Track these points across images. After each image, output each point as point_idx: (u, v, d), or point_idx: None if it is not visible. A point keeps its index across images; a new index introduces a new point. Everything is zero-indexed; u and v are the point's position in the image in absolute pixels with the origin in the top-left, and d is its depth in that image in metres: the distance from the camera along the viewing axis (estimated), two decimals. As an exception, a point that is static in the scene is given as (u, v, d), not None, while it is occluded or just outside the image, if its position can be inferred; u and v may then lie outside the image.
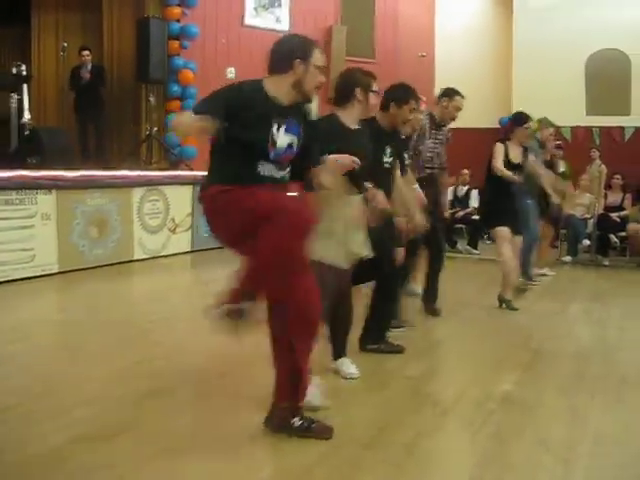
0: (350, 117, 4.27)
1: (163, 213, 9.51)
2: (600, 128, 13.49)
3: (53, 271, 7.79)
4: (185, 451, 3.32)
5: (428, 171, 6.12)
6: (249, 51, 11.82)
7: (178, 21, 11.05)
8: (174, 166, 10.61)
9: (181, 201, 9.72)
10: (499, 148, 6.62)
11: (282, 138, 3.35)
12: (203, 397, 4.11)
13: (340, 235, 4.06)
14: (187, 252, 9.86)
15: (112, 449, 3.33)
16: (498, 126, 13.70)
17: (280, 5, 12.30)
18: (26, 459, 3.20)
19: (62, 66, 10.91)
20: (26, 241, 7.57)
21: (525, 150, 6.81)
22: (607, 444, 3.57)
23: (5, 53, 12.48)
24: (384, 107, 4.91)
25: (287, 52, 3.39)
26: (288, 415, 3.47)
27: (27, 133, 9.18)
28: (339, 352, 4.50)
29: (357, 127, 4.31)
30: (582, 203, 10.85)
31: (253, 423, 3.63)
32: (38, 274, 7.58)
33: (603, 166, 11.55)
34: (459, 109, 6.21)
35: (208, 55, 11.41)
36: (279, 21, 12.22)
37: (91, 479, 3.02)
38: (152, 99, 10.72)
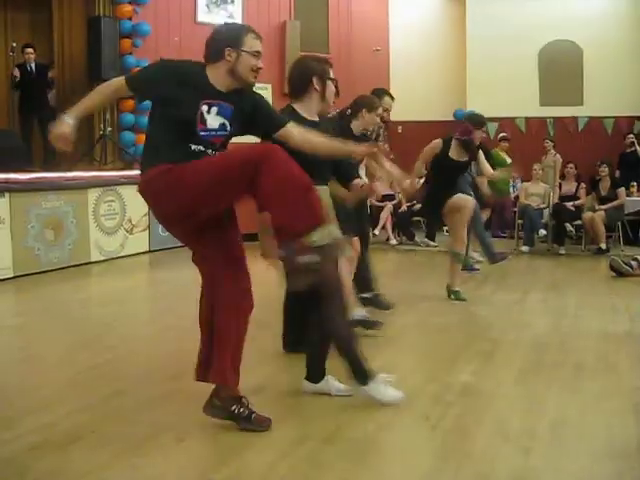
0: (308, 109, 4.09)
1: (119, 214, 9.42)
2: (554, 119, 13.66)
3: (8, 276, 7.67)
4: (142, 454, 3.29)
5: None
6: (202, 48, 11.68)
7: (130, 19, 10.90)
8: (129, 166, 10.49)
9: (137, 201, 9.42)
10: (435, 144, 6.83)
11: (213, 118, 3.42)
12: (160, 399, 4.07)
13: None
14: (145, 252, 9.78)
15: (68, 456, 3.28)
16: (452, 119, 13.79)
17: (232, 1, 12.22)
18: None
19: (12, 66, 10.70)
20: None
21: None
22: (565, 431, 3.62)
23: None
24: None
25: (218, 41, 3.50)
26: (230, 403, 3.52)
27: (-24, 136, 9.02)
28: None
29: (316, 119, 4.12)
30: (537, 193, 10.97)
31: (212, 422, 3.61)
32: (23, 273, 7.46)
33: (558, 156, 11.71)
34: (387, 109, 6.26)
35: (161, 53, 11.23)
36: (232, 17, 12.11)
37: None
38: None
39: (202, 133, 3.39)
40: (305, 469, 3.15)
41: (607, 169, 10.66)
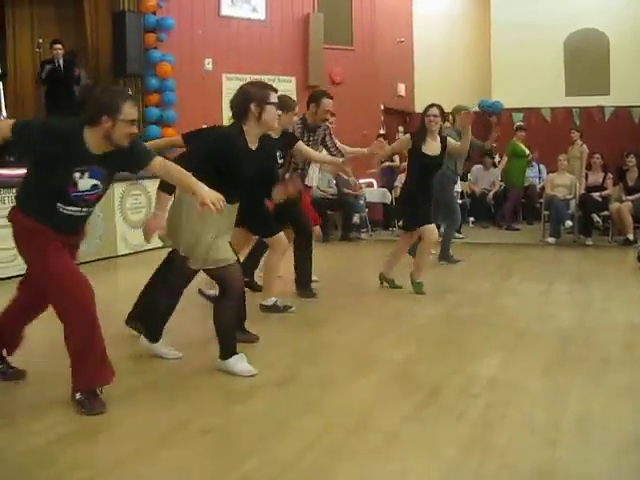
0: (250, 133, 4.35)
1: (145, 207, 9.47)
2: (580, 108, 13.54)
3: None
4: (168, 446, 3.33)
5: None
6: (226, 41, 11.76)
7: (154, 14, 10.97)
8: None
9: (163, 194, 9.65)
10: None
11: (85, 182, 3.67)
12: (185, 392, 4.10)
13: (208, 241, 4.24)
14: (171, 245, 9.80)
15: (94, 447, 3.34)
16: (477, 109, 13.72)
17: (256, -6, 12.23)
18: (10, 460, 3.20)
19: (38, 62, 10.80)
20: (7, 240, 7.46)
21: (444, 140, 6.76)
22: (590, 424, 3.60)
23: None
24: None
25: (96, 107, 3.62)
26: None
27: (4, 131, 9.10)
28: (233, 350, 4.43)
29: (252, 148, 4.40)
30: (563, 184, 10.89)
31: (237, 415, 3.64)
32: (20, 273, 7.48)
33: (585, 146, 11.59)
34: (328, 111, 6.42)
35: (185, 47, 11.34)
36: (255, 10, 12.14)
37: (75, 478, 3.01)
38: (130, 93, 10.63)
39: (74, 194, 3.67)
40: (328, 461, 3.17)
41: (634, 159, 10.54)
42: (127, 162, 3.81)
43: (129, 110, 3.63)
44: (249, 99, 4.29)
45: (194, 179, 3.74)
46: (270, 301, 5.93)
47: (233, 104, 4.39)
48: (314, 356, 4.80)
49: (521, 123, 12.31)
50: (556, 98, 13.39)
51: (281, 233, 5.85)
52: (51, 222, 3.69)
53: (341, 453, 3.23)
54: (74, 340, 3.70)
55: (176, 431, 3.50)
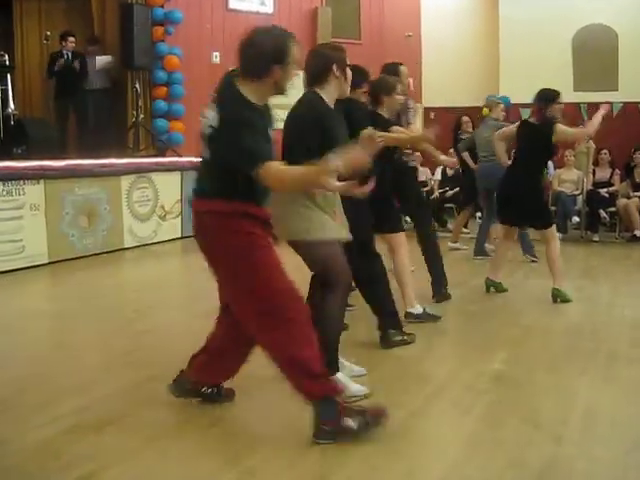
0: (328, 95, 3.97)
1: (152, 200, 9.48)
2: (588, 104, 13.47)
3: (43, 262, 7.76)
4: (175, 438, 3.34)
5: None
6: (234, 35, 11.70)
7: (162, 6, 10.96)
8: (162, 153, 10.56)
9: (170, 188, 9.69)
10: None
11: None
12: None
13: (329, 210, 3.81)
14: (177, 238, 9.83)
15: (102, 440, 3.34)
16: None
17: (264, -12, 12.22)
18: (20, 452, 3.21)
19: (46, 55, 10.79)
20: (15, 232, 7.55)
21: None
22: (597, 420, 3.60)
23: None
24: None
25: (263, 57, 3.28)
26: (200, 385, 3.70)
27: (12, 124, 9.13)
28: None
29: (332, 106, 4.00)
30: (570, 179, 10.85)
31: (244, 409, 3.65)
32: (28, 265, 7.56)
33: (591, 142, 11.53)
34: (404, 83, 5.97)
35: (193, 40, 11.33)
36: (264, 4, 12.13)
37: (84, 470, 3.02)
38: (138, 86, 10.66)
39: None
40: (336, 456, 3.16)
41: (642, 155, 10.52)
42: None
43: (296, 50, 3.33)
44: (331, 61, 3.94)
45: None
46: (417, 309, 5.45)
47: (311, 67, 4.00)
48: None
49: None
50: (564, 93, 13.31)
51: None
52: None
53: (347, 448, 3.22)
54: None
55: (183, 424, 3.51)
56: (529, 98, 6.67)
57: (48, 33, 10.52)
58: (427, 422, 3.59)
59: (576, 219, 10.52)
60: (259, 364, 3.50)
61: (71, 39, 10.33)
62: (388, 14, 13.78)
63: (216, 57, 11.57)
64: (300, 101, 3.97)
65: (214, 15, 11.67)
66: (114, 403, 3.77)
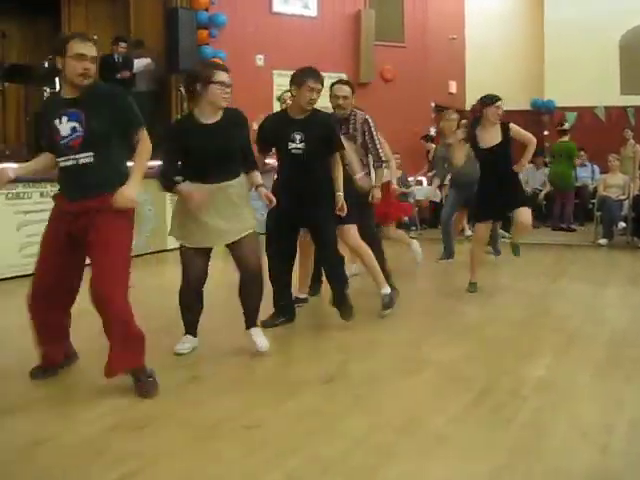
0: (202, 112, 4.46)
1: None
2: (635, 107, 13.28)
3: (87, 262, 7.82)
4: (215, 438, 3.36)
5: None
6: (277, 38, 11.80)
7: (206, 10, 11.08)
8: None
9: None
10: None
11: (65, 126, 3.84)
12: (234, 385, 4.14)
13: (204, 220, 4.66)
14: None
15: (144, 438, 3.37)
16: (529, 108, 13.55)
17: (308, -9, 12.26)
18: (61, 450, 3.26)
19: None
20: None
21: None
22: (644, 429, 3.53)
23: (36, 47, 12.56)
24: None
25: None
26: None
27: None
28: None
29: (213, 122, 4.47)
30: (616, 184, 10.69)
31: (284, 409, 3.65)
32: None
33: (638, 146, 11.38)
34: (336, 96, 5.73)
35: (237, 43, 11.42)
36: (307, 7, 12.17)
37: (127, 468, 3.05)
38: (182, 89, 10.74)
39: (61, 142, 3.85)
40: (376, 460, 3.15)
41: (690, 160, 10.33)
42: (117, 116, 3.92)
43: (76, 45, 3.95)
44: (195, 79, 4.43)
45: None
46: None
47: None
48: (362, 353, 4.79)
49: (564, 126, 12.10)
50: (611, 97, 13.15)
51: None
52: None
53: (387, 453, 3.21)
54: None
55: (222, 425, 3.52)
56: (575, 101, 6.58)
57: (95, 37, 10.62)
58: (469, 428, 3.55)
59: (622, 224, 10.37)
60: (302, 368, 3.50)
61: (122, 44, 10.46)
62: (432, 16, 13.73)
63: (260, 60, 11.64)
64: None
65: (258, 18, 11.75)
66: (157, 402, 3.80)
